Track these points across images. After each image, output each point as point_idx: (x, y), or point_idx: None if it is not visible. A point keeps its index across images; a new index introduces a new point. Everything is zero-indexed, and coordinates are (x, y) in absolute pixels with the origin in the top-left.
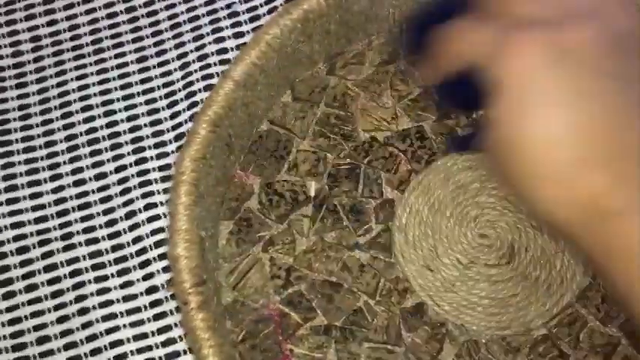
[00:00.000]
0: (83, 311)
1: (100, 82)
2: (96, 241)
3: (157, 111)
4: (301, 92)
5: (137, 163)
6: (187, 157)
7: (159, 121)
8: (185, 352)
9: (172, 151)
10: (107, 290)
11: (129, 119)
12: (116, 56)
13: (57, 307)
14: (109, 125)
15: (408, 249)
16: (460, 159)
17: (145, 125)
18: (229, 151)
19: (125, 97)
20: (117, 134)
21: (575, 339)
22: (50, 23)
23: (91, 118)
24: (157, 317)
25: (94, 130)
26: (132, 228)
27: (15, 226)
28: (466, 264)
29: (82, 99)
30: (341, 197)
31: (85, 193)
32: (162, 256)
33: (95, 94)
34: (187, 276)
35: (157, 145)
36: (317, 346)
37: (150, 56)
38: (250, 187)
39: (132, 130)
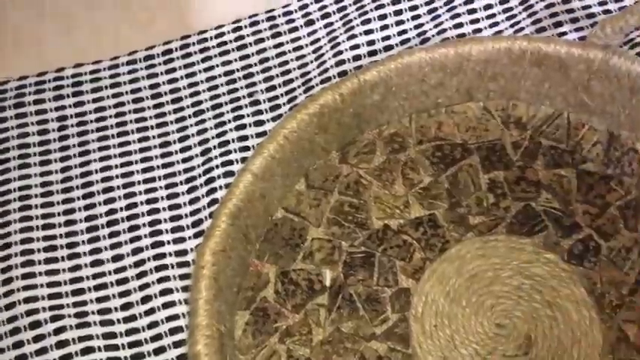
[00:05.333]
0: None
1: (123, 165)
2: (111, 323)
3: (176, 195)
4: (315, 180)
5: (153, 246)
6: (208, 250)
7: (177, 206)
8: None
9: (189, 237)
10: None
11: (148, 202)
12: (139, 140)
13: None
14: (128, 207)
15: (426, 339)
16: (473, 247)
17: (164, 209)
18: (246, 242)
19: (146, 181)
20: (136, 216)
21: None
22: (77, 104)
23: (112, 200)
24: None
25: (113, 211)
26: (147, 313)
27: (28, 300)
28: (484, 355)
29: (104, 180)
30: (357, 286)
31: (102, 274)
32: (177, 344)
33: (117, 176)
34: None
35: (174, 230)
36: None
37: (173, 142)
38: (266, 275)
39: (150, 212)
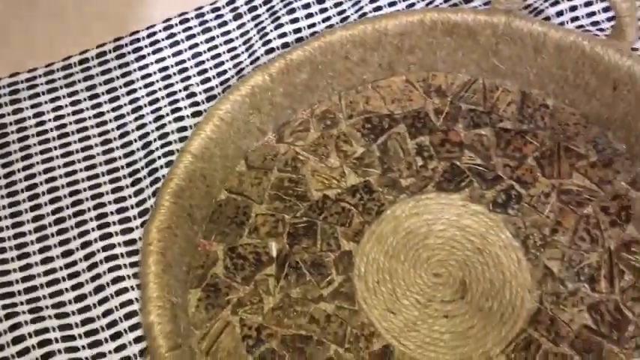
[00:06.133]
0: None
1: (66, 165)
2: (65, 315)
3: (120, 189)
4: (254, 161)
5: (102, 238)
6: (154, 228)
7: (123, 199)
8: None
9: (137, 227)
10: None
11: (93, 197)
12: (80, 140)
13: None
14: (74, 204)
15: (370, 295)
16: (407, 207)
17: (110, 202)
18: (191, 221)
19: (90, 178)
20: (82, 212)
21: None
22: (15, 112)
23: (57, 199)
24: None
25: (59, 209)
26: (101, 302)
27: None
28: (424, 303)
29: (47, 181)
30: (302, 254)
31: (53, 270)
32: (132, 328)
33: (61, 176)
34: (163, 341)
35: (121, 221)
36: None
37: (113, 139)
38: (214, 253)
39: (96, 207)
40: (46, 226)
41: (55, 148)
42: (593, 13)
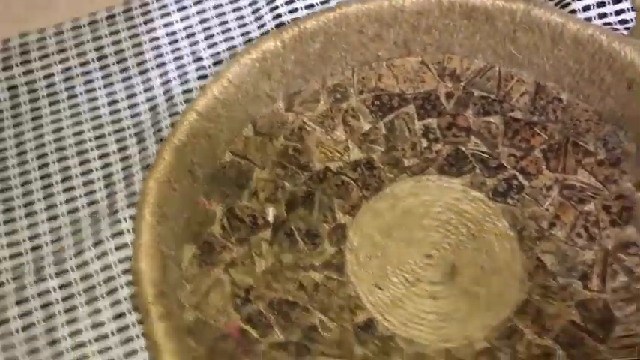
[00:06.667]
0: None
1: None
2: (65, 271)
3: (126, 148)
4: (262, 127)
5: (107, 194)
6: (152, 180)
7: (128, 157)
8: None
9: (139, 181)
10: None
11: (100, 157)
12: (89, 100)
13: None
14: (81, 163)
15: (360, 269)
16: (406, 186)
17: (116, 162)
18: (193, 179)
19: (97, 137)
20: (89, 170)
21: (513, 350)
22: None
23: (65, 158)
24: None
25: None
26: (99, 256)
27: None
28: (413, 282)
29: (55, 141)
30: (297, 222)
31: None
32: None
33: (69, 136)
34: (149, 288)
35: (126, 178)
36: None
37: (118, 90)
38: (213, 213)
39: (103, 167)
40: (52, 184)
41: (64, 109)
42: (621, 11)
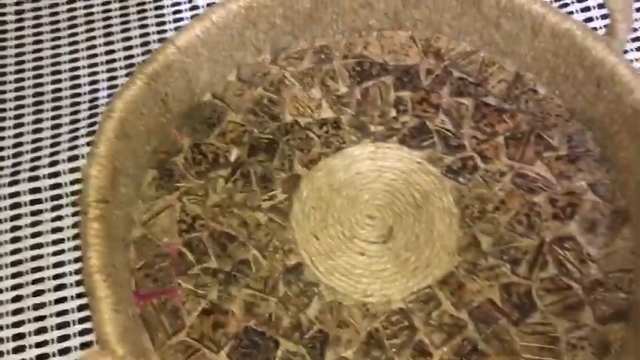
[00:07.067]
0: None
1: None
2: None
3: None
4: (245, 75)
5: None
6: (119, 100)
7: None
8: None
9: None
10: None
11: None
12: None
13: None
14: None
15: (303, 217)
16: (366, 150)
17: (85, 93)
18: (165, 109)
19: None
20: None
21: (426, 315)
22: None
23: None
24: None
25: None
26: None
27: None
28: (349, 237)
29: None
30: (256, 166)
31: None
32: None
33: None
34: (92, 192)
35: (91, 107)
36: (203, 285)
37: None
38: (181, 144)
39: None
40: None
41: (61, 37)
42: None
